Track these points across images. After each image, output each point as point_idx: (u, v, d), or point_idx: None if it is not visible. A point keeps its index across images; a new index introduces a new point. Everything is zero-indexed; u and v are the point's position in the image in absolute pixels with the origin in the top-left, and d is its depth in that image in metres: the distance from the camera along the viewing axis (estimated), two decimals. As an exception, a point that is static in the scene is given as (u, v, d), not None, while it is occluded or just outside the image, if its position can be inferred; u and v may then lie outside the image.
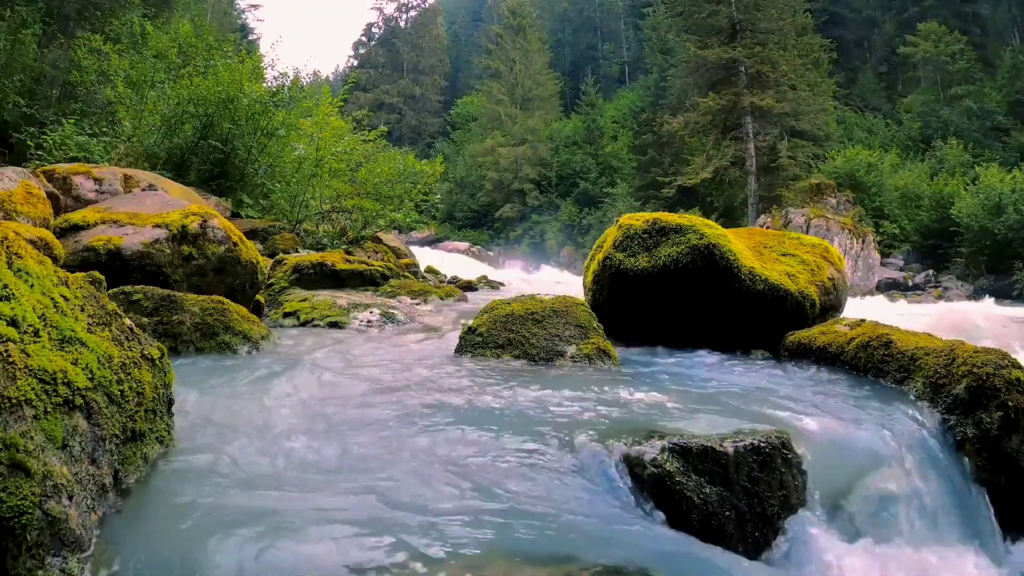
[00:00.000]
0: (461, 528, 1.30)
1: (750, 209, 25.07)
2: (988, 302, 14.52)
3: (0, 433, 1.01)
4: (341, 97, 10.91)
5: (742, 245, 3.44)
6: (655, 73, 36.44)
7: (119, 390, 1.37)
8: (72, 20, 14.62)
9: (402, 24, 56.81)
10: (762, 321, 3.29)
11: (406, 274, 6.21)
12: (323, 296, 4.38)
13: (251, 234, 6.49)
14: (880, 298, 16.09)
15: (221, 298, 3.00)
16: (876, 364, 2.58)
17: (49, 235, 3.21)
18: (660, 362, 3.10)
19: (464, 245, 31.50)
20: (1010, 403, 2.12)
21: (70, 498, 1.10)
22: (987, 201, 19.94)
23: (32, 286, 1.31)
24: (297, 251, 6.64)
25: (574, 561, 1.21)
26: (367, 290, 5.01)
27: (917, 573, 1.69)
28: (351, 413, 1.99)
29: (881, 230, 23.26)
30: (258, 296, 4.18)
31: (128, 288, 2.80)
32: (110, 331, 1.47)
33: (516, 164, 38.65)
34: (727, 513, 1.58)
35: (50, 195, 4.54)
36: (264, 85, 9.93)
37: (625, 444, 1.66)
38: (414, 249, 11.53)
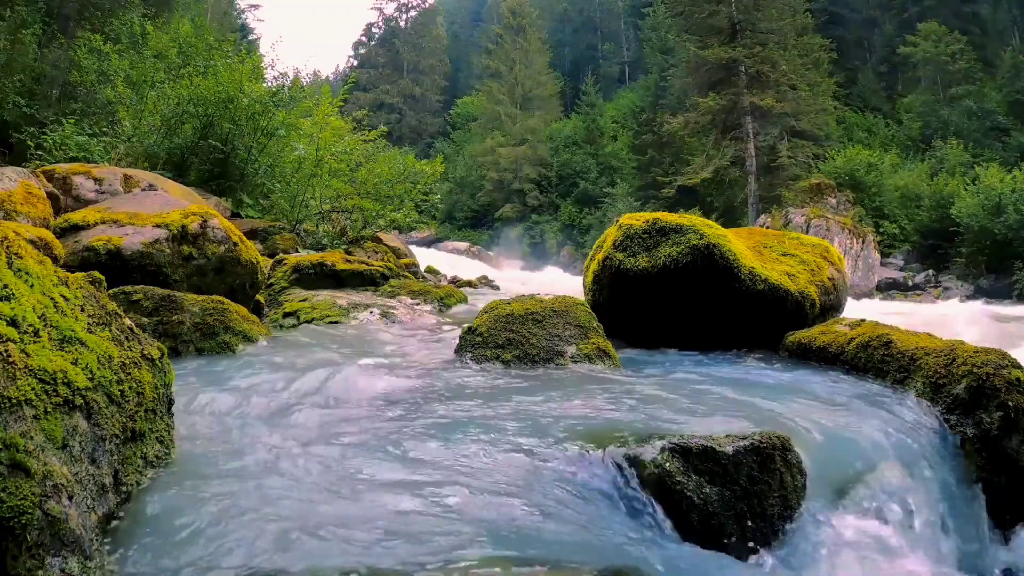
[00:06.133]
0: (458, 529, 1.30)
1: (750, 209, 25.07)
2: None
3: (0, 433, 1.01)
4: (341, 97, 10.93)
5: (742, 245, 3.44)
6: (655, 73, 36.36)
7: (119, 390, 1.37)
8: (72, 20, 14.61)
9: (402, 24, 56.71)
10: (762, 321, 3.29)
11: (406, 274, 6.20)
12: (323, 296, 4.38)
13: (251, 234, 6.49)
14: (879, 298, 16.07)
15: (221, 298, 3.00)
16: (876, 364, 2.58)
17: (49, 235, 3.21)
18: (660, 362, 3.10)
19: (464, 245, 31.50)
20: (1010, 403, 2.12)
21: (70, 498, 1.10)
22: (987, 201, 19.93)
23: (32, 286, 1.31)
24: (297, 251, 6.64)
25: (573, 562, 1.21)
26: (367, 290, 5.00)
27: (916, 574, 1.69)
28: (351, 413, 1.99)
29: (881, 230, 23.25)
30: (258, 296, 4.18)
31: (128, 288, 2.80)
32: (110, 331, 1.47)
33: (516, 164, 38.60)
34: (727, 513, 1.58)
35: (50, 195, 4.54)
36: (264, 85, 9.93)
37: (625, 444, 1.66)
38: (414, 249, 11.52)
